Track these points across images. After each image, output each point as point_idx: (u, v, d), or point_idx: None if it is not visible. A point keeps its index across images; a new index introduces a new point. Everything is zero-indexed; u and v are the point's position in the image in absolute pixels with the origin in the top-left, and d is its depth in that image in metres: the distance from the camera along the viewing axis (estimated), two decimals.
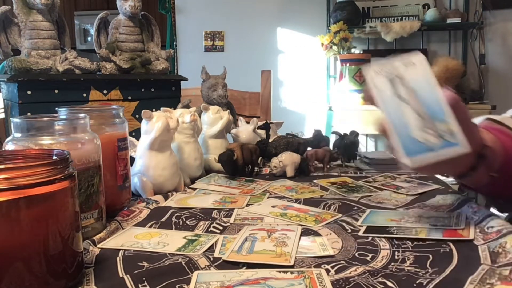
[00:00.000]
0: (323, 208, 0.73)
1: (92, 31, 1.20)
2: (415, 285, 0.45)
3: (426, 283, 0.45)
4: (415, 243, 0.57)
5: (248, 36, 3.08)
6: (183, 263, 0.51)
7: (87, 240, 0.57)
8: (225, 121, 1.03)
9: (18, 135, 0.54)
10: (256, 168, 1.01)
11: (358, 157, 1.10)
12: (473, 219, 0.63)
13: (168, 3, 3.14)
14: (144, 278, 0.47)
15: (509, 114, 0.82)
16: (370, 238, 0.59)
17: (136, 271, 0.49)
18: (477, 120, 0.82)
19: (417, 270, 0.49)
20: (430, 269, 0.49)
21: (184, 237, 0.60)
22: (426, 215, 0.67)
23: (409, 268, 0.50)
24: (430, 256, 0.53)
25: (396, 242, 0.58)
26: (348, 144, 1.08)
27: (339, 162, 1.10)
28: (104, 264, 0.52)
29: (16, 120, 0.55)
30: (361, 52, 2.86)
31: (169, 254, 0.54)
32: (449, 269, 0.48)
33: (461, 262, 0.49)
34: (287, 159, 0.96)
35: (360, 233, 0.60)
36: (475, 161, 0.62)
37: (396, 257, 0.53)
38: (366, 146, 2.92)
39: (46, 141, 0.54)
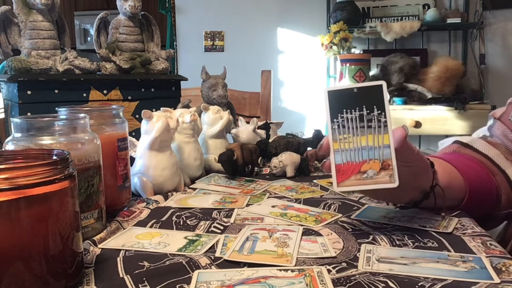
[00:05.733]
0: (323, 208, 0.73)
1: (92, 31, 1.20)
2: (417, 287, 0.45)
3: (428, 287, 0.45)
4: (416, 244, 0.57)
5: (248, 36, 3.08)
6: (183, 262, 0.51)
7: (88, 240, 0.57)
8: (225, 121, 1.03)
9: (18, 135, 0.54)
10: (256, 168, 1.01)
11: None
12: (470, 227, 0.63)
13: (168, 3, 3.14)
14: (144, 278, 0.47)
15: (479, 134, 0.82)
16: (371, 237, 0.59)
17: (136, 271, 0.49)
18: (446, 143, 0.83)
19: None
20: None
21: (185, 237, 0.60)
22: (419, 215, 0.67)
23: None
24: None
25: (398, 243, 0.58)
26: None
27: None
28: (104, 264, 0.52)
29: (16, 120, 0.55)
30: (361, 52, 2.86)
31: (170, 254, 0.54)
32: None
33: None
34: (287, 159, 0.96)
35: None
36: (419, 197, 0.66)
37: None
38: None
39: (46, 141, 0.54)
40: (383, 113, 0.57)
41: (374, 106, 0.57)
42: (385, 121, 0.57)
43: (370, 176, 0.56)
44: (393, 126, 0.57)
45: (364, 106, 0.57)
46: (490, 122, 0.83)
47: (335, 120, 0.58)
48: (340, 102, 0.58)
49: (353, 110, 0.57)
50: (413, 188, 0.65)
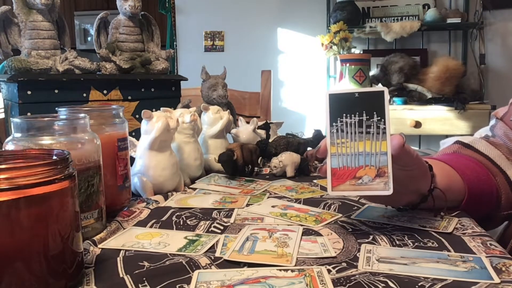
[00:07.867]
0: (323, 208, 0.73)
1: (92, 31, 1.20)
2: (417, 287, 0.45)
3: (428, 286, 0.45)
4: (416, 244, 0.57)
5: (248, 36, 3.08)
6: (183, 262, 0.51)
7: (88, 240, 0.57)
8: (225, 121, 1.03)
9: (18, 135, 0.54)
10: (256, 168, 1.01)
11: None
12: (470, 227, 0.63)
13: (168, 3, 3.14)
14: (144, 278, 0.47)
15: (481, 134, 0.82)
16: (371, 237, 0.59)
17: (136, 271, 0.49)
18: (447, 143, 0.83)
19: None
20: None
21: (185, 237, 0.60)
22: (419, 215, 0.67)
23: None
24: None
25: (398, 243, 0.58)
26: None
27: None
28: (104, 264, 0.52)
29: (16, 120, 0.55)
30: (361, 52, 2.86)
31: (170, 254, 0.54)
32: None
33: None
34: (287, 159, 0.96)
35: None
36: (417, 200, 0.67)
37: None
38: None
39: (46, 141, 0.54)
40: (383, 120, 0.57)
41: (374, 112, 0.57)
42: (384, 128, 0.57)
43: (365, 182, 0.56)
44: (392, 131, 0.57)
45: (364, 112, 0.57)
46: (492, 122, 0.83)
47: (334, 124, 0.58)
48: (340, 106, 0.58)
49: (352, 115, 0.57)
50: (411, 192, 0.65)
